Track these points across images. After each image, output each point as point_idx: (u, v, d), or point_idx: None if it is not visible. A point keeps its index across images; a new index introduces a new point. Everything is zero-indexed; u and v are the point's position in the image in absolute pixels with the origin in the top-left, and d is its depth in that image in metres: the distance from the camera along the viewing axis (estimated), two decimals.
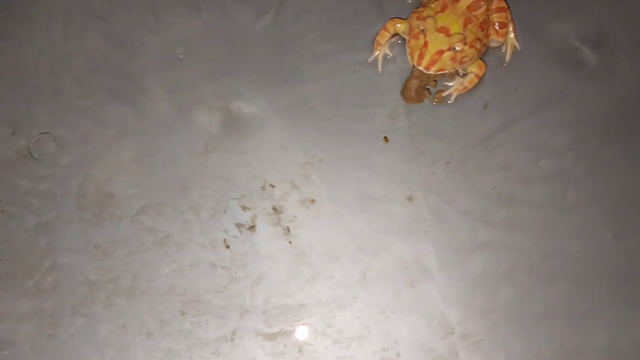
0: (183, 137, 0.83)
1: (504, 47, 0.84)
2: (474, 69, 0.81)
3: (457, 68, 0.78)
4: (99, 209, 0.82)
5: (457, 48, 0.75)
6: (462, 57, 0.77)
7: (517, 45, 0.84)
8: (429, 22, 0.76)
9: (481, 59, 0.81)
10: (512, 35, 0.83)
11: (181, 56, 0.85)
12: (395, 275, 0.79)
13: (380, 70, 0.84)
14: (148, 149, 0.83)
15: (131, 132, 0.83)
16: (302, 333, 0.79)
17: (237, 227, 0.81)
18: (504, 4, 0.83)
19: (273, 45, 0.86)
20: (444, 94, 0.82)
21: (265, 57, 0.85)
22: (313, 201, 0.82)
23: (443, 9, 0.78)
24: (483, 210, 0.81)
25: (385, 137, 0.83)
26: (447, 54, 0.76)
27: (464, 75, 0.82)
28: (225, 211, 0.81)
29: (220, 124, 0.84)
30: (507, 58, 0.84)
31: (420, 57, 0.76)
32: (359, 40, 0.85)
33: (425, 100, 0.83)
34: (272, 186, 0.82)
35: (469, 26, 0.77)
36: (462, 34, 0.76)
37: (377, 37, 0.84)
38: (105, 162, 0.83)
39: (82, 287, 0.80)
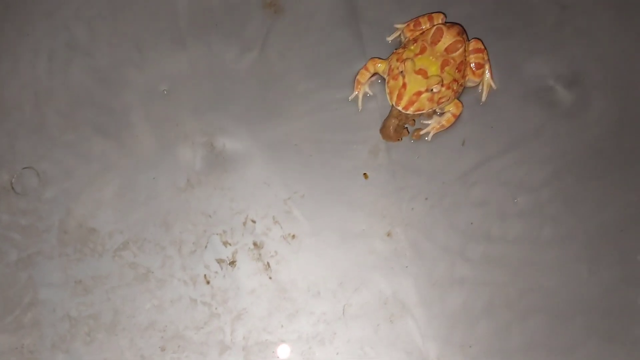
0: (166, 172, 0.84)
1: (480, 87, 0.86)
2: (452, 109, 0.83)
3: (434, 108, 0.80)
4: (81, 244, 0.82)
5: (435, 90, 0.78)
6: (440, 98, 0.79)
7: (493, 85, 0.86)
8: (408, 64, 0.78)
9: (458, 98, 0.84)
10: (488, 75, 0.86)
11: (165, 92, 0.87)
12: (374, 311, 0.80)
13: (360, 108, 0.86)
14: (131, 184, 0.83)
15: (114, 167, 0.84)
16: None
17: (218, 263, 0.81)
18: (481, 45, 0.85)
19: (257, 82, 0.87)
20: (422, 132, 0.84)
21: (249, 94, 0.87)
22: (294, 236, 0.83)
23: (422, 51, 0.80)
24: (461, 246, 0.83)
25: (364, 174, 0.84)
26: (425, 95, 0.78)
27: (442, 114, 0.84)
28: (206, 247, 0.82)
29: (203, 160, 0.85)
30: (484, 97, 0.86)
31: (399, 97, 0.78)
32: (341, 78, 0.87)
33: (403, 138, 0.84)
34: (254, 222, 0.83)
35: (447, 68, 0.79)
36: (440, 76, 0.78)
37: (358, 76, 0.86)
38: (88, 197, 0.83)
39: (62, 323, 0.80)
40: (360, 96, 0.86)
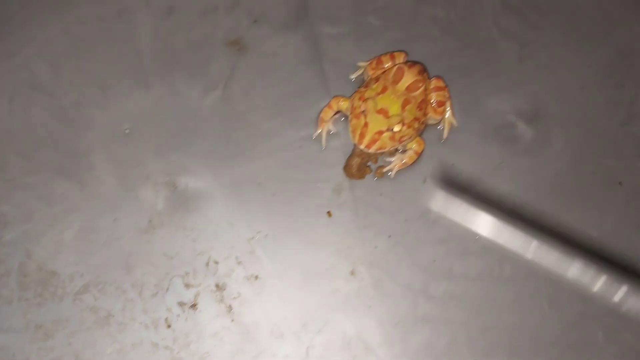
0: (128, 213, 0.83)
1: (441, 125, 0.87)
2: (414, 146, 0.84)
3: (396, 146, 0.81)
4: (41, 288, 0.81)
5: (396, 129, 0.79)
6: (401, 137, 0.80)
7: (455, 123, 0.88)
8: (370, 103, 0.79)
9: (420, 135, 0.84)
10: (449, 112, 0.87)
11: (128, 131, 0.86)
12: (338, 352, 0.80)
13: (324, 145, 0.87)
14: (92, 225, 0.83)
15: (76, 209, 0.83)
16: None
17: (180, 306, 0.81)
18: (442, 83, 0.86)
19: (220, 121, 0.88)
20: (385, 169, 0.85)
21: (213, 133, 0.87)
22: (257, 277, 0.83)
23: (383, 90, 0.81)
24: (424, 284, 0.83)
25: (328, 212, 0.85)
26: (386, 134, 0.79)
27: (404, 151, 0.85)
28: (168, 289, 0.81)
29: (166, 200, 0.84)
30: (445, 135, 0.87)
31: (361, 136, 0.79)
32: (305, 116, 0.88)
33: (366, 175, 0.85)
34: (217, 262, 0.83)
35: (408, 107, 0.80)
36: (400, 115, 0.79)
37: (321, 114, 0.86)
38: (49, 239, 0.82)
39: None
40: (324, 134, 0.87)
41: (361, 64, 0.89)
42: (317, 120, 0.87)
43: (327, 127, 0.87)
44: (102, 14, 0.91)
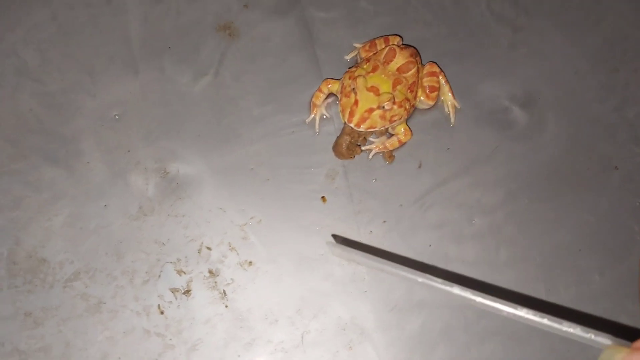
0: (118, 200, 0.82)
1: (446, 109, 0.87)
2: (400, 134, 0.83)
3: (386, 126, 0.80)
4: (31, 275, 0.80)
5: (386, 107, 0.78)
6: (392, 116, 0.79)
7: (457, 105, 0.87)
8: (360, 81, 0.78)
9: (409, 126, 0.83)
10: (450, 95, 0.86)
11: (117, 117, 0.85)
12: (333, 338, 0.79)
13: (317, 130, 0.86)
14: (81, 212, 0.81)
15: (65, 196, 0.82)
16: None
17: (172, 292, 0.80)
18: (436, 69, 0.86)
19: (211, 106, 0.86)
20: (364, 148, 0.84)
21: (203, 119, 0.86)
22: (251, 263, 0.81)
23: (374, 70, 0.80)
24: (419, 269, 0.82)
25: (322, 197, 0.84)
26: (377, 112, 0.78)
27: (391, 136, 0.84)
28: (159, 276, 0.80)
29: (156, 186, 0.83)
30: (452, 119, 0.86)
31: (351, 114, 0.78)
32: (297, 102, 0.87)
33: (356, 155, 0.84)
34: (209, 249, 0.81)
35: (399, 87, 0.80)
36: (391, 93, 0.78)
37: (313, 99, 0.85)
38: (38, 226, 0.81)
39: (11, 357, 0.78)
40: (317, 119, 0.86)
41: (356, 44, 0.89)
42: (310, 105, 0.86)
43: (320, 112, 0.86)
44: (91, 0, 0.90)
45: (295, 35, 0.89)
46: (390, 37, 0.87)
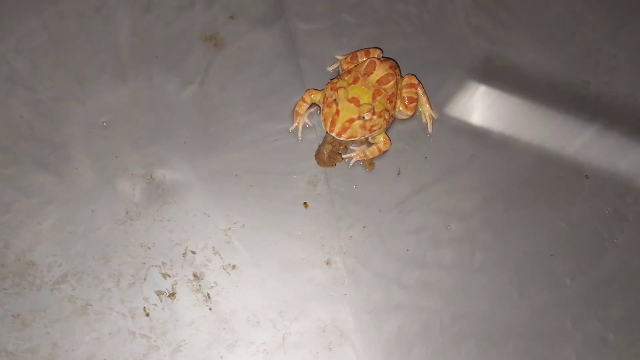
0: (105, 204, 0.85)
1: (424, 119, 0.90)
2: (380, 143, 0.86)
3: (366, 135, 0.83)
4: (19, 278, 0.82)
5: (366, 117, 0.81)
6: (372, 126, 0.83)
7: (434, 115, 0.90)
8: (341, 92, 0.82)
9: (388, 136, 0.87)
10: (427, 106, 0.89)
11: (105, 125, 0.88)
12: (314, 339, 0.82)
13: (300, 138, 0.89)
14: (70, 217, 0.84)
15: (54, 201, 0.84)
16: None
17: (157, 295, 0.82)
18: (414, 80, 0.89)
19: (197, 114, 0.89)
20: (344, 156, 0.87)
21: (190, 126, 0.89)
22: (234, 267, 0.84)
23: (355, 81, 0.84)
24: (397, 273, 0.85)
25: (305, 203, 0.87)
26: (357, 122, 0.81)
27: (370, 145, 0.87)
28: (145, 279, 0.82)
29: (143, 192, 0.86)
30: (430, 129, 0.90)
31: (333, 124, 0.81)
32: (281, 110, 0.90)
33: (337, 163, 0.87)
34: (194, 253, 0.84)
35: (378, 98, 0.83)
36: (371, 104, 0.81)
37: (296, 108, 0.88)
38: (27, 230, 0.83)
39: None
40: (300, 127, 0.89)
41: (338, 56, 0.92)
42: (293, 114, 0.89)
43: (302, 120, 0.89)
44: (81, 9, 0.92)
45: (280, 46, 0.92)
46: (370, 50, 0.90)
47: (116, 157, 0.86)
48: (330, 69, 0.92)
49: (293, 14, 0.94)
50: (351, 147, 0.87)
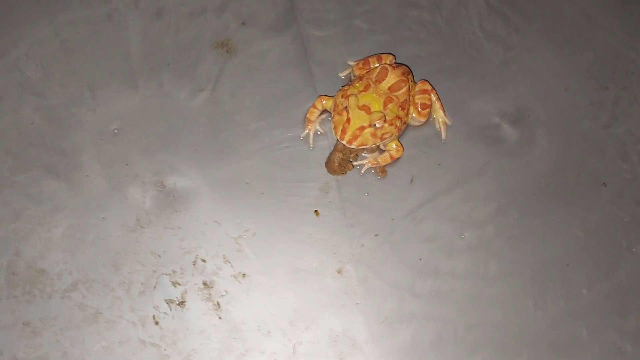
0: (116, 212, 0.84)
1: (437, 125, 0.89)
2: (392, 150, 0.85)
3: (377, 143, 0.82)
4: (30, 286, 0.82)
5: (377, 125, 0.80)
6: (383, 134, 0.82)
7: (448, 121, 0.89)
8: (352, 100, 0.81)
9: (400, 142, 0.86)
10: (441, 112, 0.88)
11: (116, 131, 0.87)
12: (325, 349, 0.81)
13: (311, 145, 0.88)
14: (80, 224, 0.83)
15: (64, 208, 0.84)
16: None
17: (167, 303, 0.82)
18: (427, 86, 0.88)
19: (208, 121, 0.89)
20: (356, 163, 0.86)
21: (201, 133, 0.88)
22: (245, 275, 0.83)
23: (366, 89, 0.83)
24: (410, 282, 0.84)
25: (316, 211, 0.86)
26: (368, 130, 0.80)
27: (383, 152, 0.86)
28: (155, 287, 0.82)
29: (153, 199, 0.85)
30: (443, 135, 0.89)
31: (343, 132, 0.80)
32: (292, 117, 0.89)
33: (347, 172, 0.86)
34: (204, 261, 0.83)
35: (390, 105, 0.82)
36: (382, 112, 0.80)
37: (308, 114, 0.88)
38: (37, 237, 0.83)
39: None
40: (311, 134, 0.88)
41: (350, 62, 0.91)
42: (304, 121, 0.88)
43: (314, 127, 0.88)
44: (92, 16, 0.92)
45: (291, 53, 0.92)
46: (383, 56, 0.89)
47: (127, 165, 0.86)
48: (342, 75, 0.91)
49: (304, 20, 0.93)
50: (363, 155, 0.86)
